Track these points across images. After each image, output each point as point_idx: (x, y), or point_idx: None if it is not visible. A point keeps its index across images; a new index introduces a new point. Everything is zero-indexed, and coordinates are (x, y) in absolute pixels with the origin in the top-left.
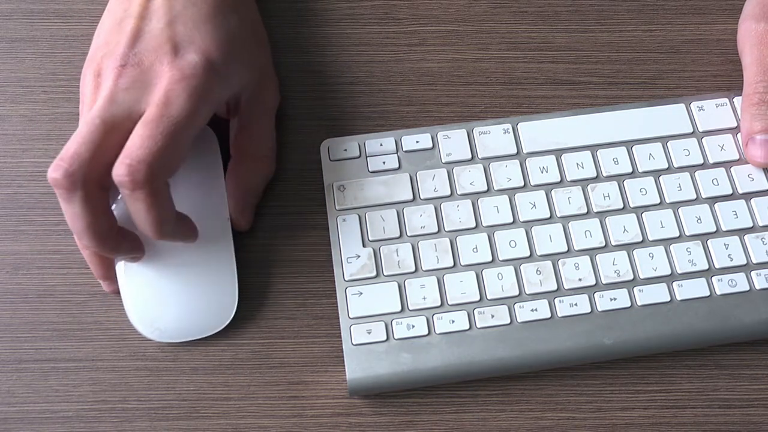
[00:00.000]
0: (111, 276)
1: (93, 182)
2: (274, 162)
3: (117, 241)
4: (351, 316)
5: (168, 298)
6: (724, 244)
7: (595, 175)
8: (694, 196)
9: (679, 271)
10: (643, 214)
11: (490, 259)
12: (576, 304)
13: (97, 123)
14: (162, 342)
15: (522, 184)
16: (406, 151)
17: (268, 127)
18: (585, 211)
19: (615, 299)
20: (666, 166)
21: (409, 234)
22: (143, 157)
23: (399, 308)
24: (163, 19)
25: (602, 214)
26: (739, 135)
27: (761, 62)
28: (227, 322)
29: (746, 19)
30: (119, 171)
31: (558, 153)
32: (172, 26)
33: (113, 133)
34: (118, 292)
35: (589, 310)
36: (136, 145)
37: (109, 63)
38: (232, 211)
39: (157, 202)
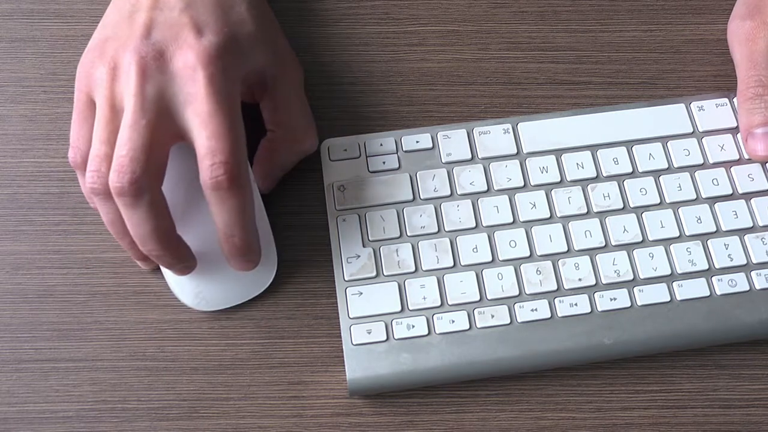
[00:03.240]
0: None
1: (155, 183)
2: (316, 136)
3: (179, 241)
4: (351, 316)
5: (209, 267)
6: (724, 244)
7: (595, 175)
8: (694, 196)
9: (679, 271)
10: (643, 214)
11: (490, 259)
12: (576, 304)
13: (144, 124)
14: (205, 312)
15: (522, 184)
16: (406, 151)
17: (302, 101)
18: (585, 211)
19: (615, 299)
20: (666, 166)
21: (409, 234)
22: (229, 151)
23: (399, 308)
24: (176, 7)
25: (602, 214)
26: (739, 135)
27: (751, 58)
28: (269, 283)
29: (734, 18)
30: (215, 173)
31: (558, 153)
32: (187, 12)
33: (159, 132)
34: (157, 268)
35: (589, 310)
36: (214, 143)
37: (127, 56)
38: (255, 176)
39: (249, 193)
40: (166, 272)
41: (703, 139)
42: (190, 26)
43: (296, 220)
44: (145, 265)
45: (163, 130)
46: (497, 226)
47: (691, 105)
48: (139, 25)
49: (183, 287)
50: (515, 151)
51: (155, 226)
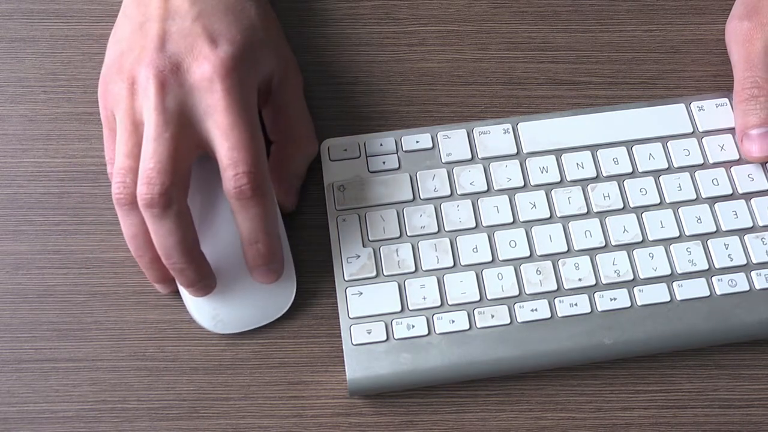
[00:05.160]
0: (169, 277)
1: (182, 194)
2: (316, 140)
3: (202, 257)
4: (351, 316)
5: (227, 289)
6: (724, 244)
7: (595, 175)
8: (694, 196)
9: (679, 271)
10: (643, 214)
11: (490, 259)
12: (576, 304)
13: (167, 137)
14: (222, 334)
15: (522, 184)
16: (406, 151)
17: (303, 106)
18: (585, 211)
19: (615, 299)
20: (666, 166)
21: (409, 234)
22: (251, 161)
23: (399, 308)
24: (188, 16)
25: (602, 214)
26: None
27: (748, 59)
28: (289, 306)
29: (732, 19)
30: (239, 182)
31: (558, 153)
32: (199, 21)
33: (182, 143)
34: (175, 292)
35: (589, 310)
36: (236, 154)
37: (144, 69)
38: (276, 195)
39: (272, 200)
40: (184, 294)
41: (703, 139)
42: (204, 36)
43: (296, 220)
44: (163, 287)
45: (186, 142)
46: (497, 226)
47: (691, 105)
48: (153, 37)
49: (200, 310)
50: (515, 151)
51: (182, 238)
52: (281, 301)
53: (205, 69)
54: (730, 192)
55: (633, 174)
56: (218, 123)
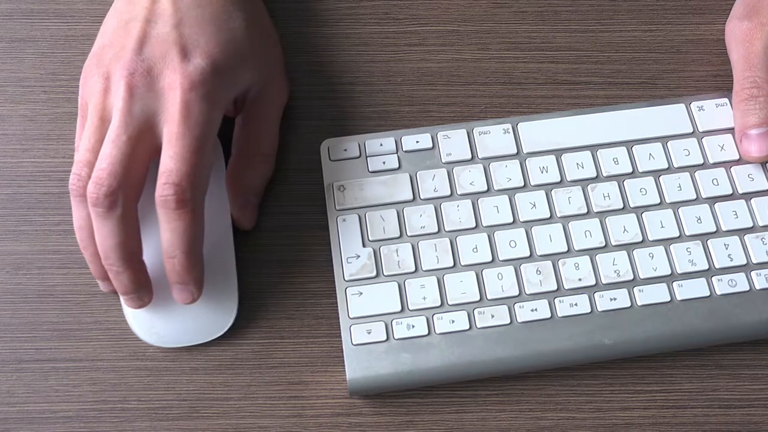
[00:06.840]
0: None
1: (130, 199)
2: (273, 162)
3: (141, 266)
4: (351, 316)
5: (167, 303)
6: (724, 244)
7: (595, 175)
8: (694, 196)
9: (679, 271)
10: (643, 214)
11: (490, 259)
12: (576, 304)
13: (124, 140)
14: (161, 346)
15: (522, 184)
16: (406, 151)
17: (271, 126)
18: (585, 211)
19: (615, 299)
20: (666, 166)
21: (409, 234)
22: (184, 174)
23: (399, 308)
24: (169, 22)
25: (602, 214)
26: None
27: (747, 59)
28: (227, 328)
29: (732, 18)
30: (165, 192)
31: (558, 153)
32: (178, 29)
33: (139, 147)
34: (116, 292)
35: (589, 310)
36: (172, 164)
37: (119, 69)
38: (232, 210)
39: (197, 218)
40: (124, 303)
41: (703, 139)
42: (178, 47)
43: (296, 220)
44: (104, 285)
45: (143, 145)
46: (497, 226)
47: (691, 105)
48: (133, 38)
49: (138, 320)
50: (515, 151)
51: (121, 241)
52: (220, 321)
53: (172, 79)
54: (730, 192)
55: (633, 174)
56: (169, 130)
